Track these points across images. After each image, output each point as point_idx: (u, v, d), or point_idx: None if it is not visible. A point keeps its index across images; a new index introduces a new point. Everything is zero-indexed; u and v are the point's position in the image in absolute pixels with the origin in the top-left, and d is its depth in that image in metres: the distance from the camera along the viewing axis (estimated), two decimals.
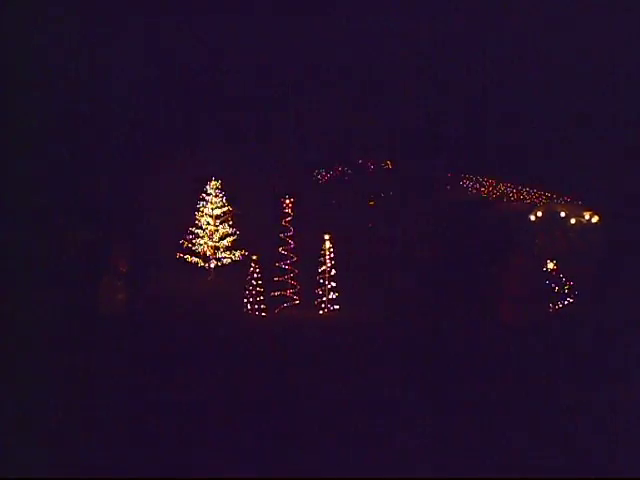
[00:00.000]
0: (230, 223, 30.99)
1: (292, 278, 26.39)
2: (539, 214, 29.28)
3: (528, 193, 36.74)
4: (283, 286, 26.32)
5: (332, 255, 26.29)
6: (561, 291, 25.12)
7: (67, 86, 28.89)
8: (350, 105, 31.69)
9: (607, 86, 26.67)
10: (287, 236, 26.73)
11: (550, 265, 25.44)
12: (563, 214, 29.29)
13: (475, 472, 8.65)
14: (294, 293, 26.33)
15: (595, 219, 28.71)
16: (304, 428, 10.39)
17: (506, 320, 22.23)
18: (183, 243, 30.33)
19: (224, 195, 31.06)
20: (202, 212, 30.86)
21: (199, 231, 30.65)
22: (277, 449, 9.44)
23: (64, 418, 10.63)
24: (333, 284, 26.11)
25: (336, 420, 10.82)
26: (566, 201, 33.05)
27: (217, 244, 30.60)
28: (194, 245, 30.46)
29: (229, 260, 30.34)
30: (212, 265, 30.23)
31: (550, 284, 25.05)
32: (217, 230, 30.70)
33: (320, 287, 26.13)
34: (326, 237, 26.40)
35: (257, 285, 25.38)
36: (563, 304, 24.96)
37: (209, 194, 30.85)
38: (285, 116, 35.17)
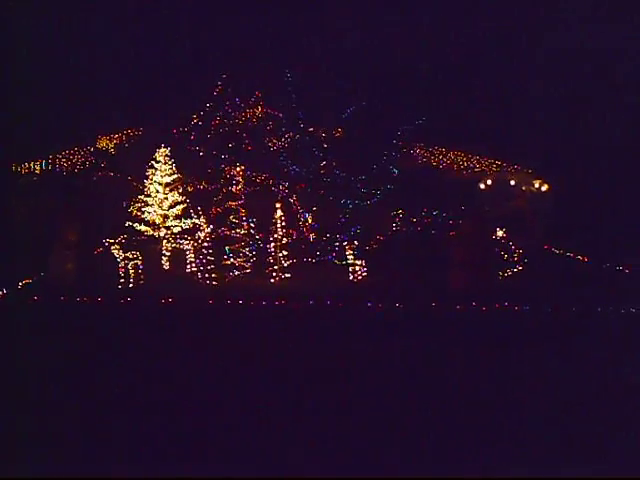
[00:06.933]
0: (180, 191, 30.45)
1: (243, 247, 26.28)
2: (489, 182, 29.50)
3: (478, 161, 37.04)
4: (234, 254, 26.17)
5: (284, 223, 26.14)
6: (510, 259, 25.42)
7: None
8: None
9: (556, 54, 26.87)
10: (238, 204, 26.56)
11: (500, 233, 25.71)
12: (513, 182, 29.54)
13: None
14: (245, 261, 26.20)
15: (545, 187, 29.04)
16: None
17: (454, 287, 22.50)
18: (132, 211, 29.71)
19: (173, 162, 30.43)
20: (151, 180, 30.19)
21: (148, 199, 30.04)
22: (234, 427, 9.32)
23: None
24: (285, 252, 26.02)
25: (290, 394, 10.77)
26: (516, 169, 33.33)
27: (166, 212, 30.07)
28: (143, 213, 29.86)
29: (179, 228, 29.86)
30: (162, 234, 29.70)
31: (499, 252, 25.34)
32: (166, 198, 30.13)
33: (271, 255, 26.01)
34: (277, 205, 26.23)
35: (208, 253, 25.14)
36: (512, 272, 25.28)
37: (158, 162, 30.18)
38: None
